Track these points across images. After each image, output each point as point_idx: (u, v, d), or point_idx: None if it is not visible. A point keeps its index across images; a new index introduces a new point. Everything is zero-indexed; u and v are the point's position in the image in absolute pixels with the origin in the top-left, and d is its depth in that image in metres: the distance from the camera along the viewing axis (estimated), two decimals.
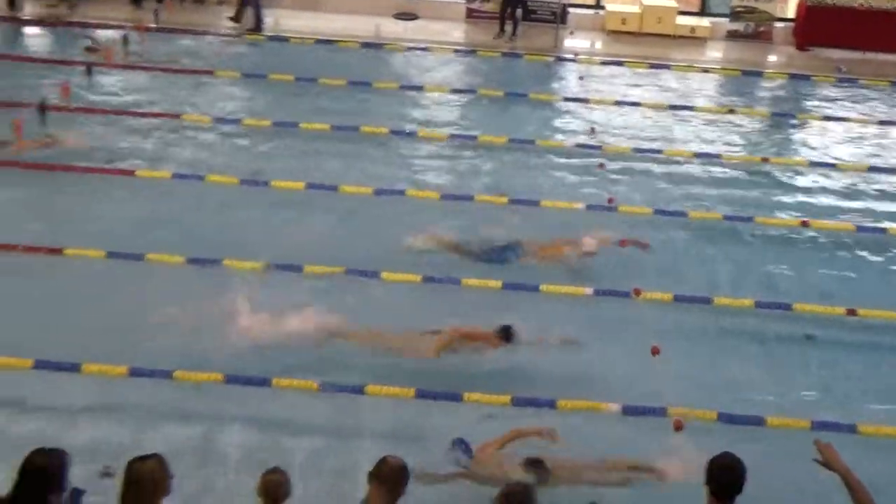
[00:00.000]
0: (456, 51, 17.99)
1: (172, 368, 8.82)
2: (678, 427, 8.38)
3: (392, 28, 19.00)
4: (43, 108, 10.91)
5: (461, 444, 7.64)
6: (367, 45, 17.84)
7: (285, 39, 17.86)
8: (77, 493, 5.50)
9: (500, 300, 10.19)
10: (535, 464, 7.61)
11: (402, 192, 12.44)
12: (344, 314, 9.47)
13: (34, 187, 12.05)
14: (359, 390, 8.75)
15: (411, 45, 18.02)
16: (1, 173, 11.89)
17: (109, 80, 14.62)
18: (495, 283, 10.44)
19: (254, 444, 8.13)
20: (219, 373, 8.81)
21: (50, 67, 15.59)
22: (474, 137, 14.36)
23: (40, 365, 8.77)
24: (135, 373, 8.82)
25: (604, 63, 17.88)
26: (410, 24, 19.26)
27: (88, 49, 15.59)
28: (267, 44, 17.81)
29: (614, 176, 13.55)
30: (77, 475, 5.55)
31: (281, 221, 11.57)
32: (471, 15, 19.64)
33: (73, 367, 8.74)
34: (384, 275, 10.45)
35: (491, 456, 7.73)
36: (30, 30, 17.81)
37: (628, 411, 8.69)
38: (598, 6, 20.11)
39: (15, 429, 8.09)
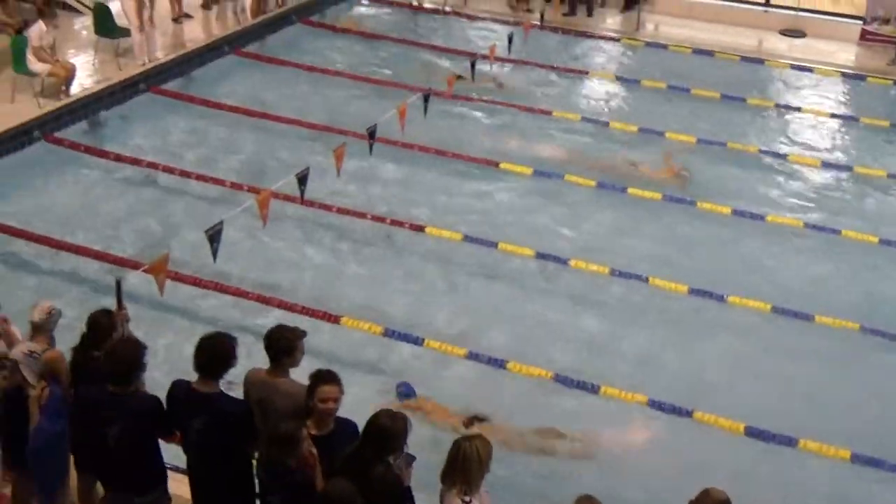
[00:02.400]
0: (843, 73, 16.88)
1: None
2: None
3: (776, 44, 18.20)
4: (427, 97, 11.59)
5: (405, 386, 8.23)
6: (746, 59, 17.24)
7: (663, 46, 17.67)
8: (410, 458, 5.81)
9: None
10: (477, 420, 8.43)
11: (762, 217, 11.95)
12: None
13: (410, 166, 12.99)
14: None
15: (794, 63, 17.17)
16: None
17: (490, 74, 15.23)
18: None
19: None
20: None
21: (441, 55, 16.66)
22: (849, 168, 13.50)
23: None
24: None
25: None
26: (797, 41, 18.34)
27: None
28: (644, 49, 17.72)
29: None
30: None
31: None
32: (865, 37, 18.32)
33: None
34: None
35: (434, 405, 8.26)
36: (424, 17, 18.95)
37: None
38: None
39: None
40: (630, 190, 12.36)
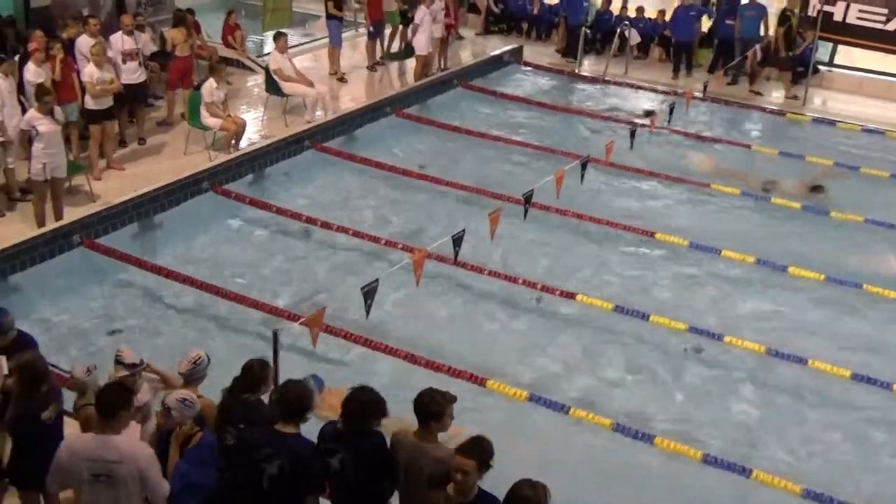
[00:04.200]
0: None
1: None
2: None
3: None
4: (585, 164, 11.55)
5: (316, 379, 7.34)
6: None
7: (831, 123, 17.17)
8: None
9: None
10: None
11: None
12: None
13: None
14: None
15: None
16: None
17: (648, 142, 15.12)
18: None
19: None
20: None
21: (600, 123, 16.70)
22: None
23: None
24: None
25: None
26: None
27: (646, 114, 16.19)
28: (810, 125, 17.25)
29: None
30: None
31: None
32: None
33: None
34: None
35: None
36: (584, 85, 18.99)
37: None
38: None
39: None
40: (791, 269, 11.93)
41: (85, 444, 5.89)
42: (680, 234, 12.71)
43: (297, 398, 6.11)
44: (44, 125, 11.38)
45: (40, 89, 11.80)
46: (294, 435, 6.07)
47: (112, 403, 5.89)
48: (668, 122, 14.50)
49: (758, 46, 17.98)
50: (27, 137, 11.64)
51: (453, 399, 6.16)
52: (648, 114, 15.86)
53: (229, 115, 14.30)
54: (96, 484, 5.81)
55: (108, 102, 13.19)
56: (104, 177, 13.21)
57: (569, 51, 20.05)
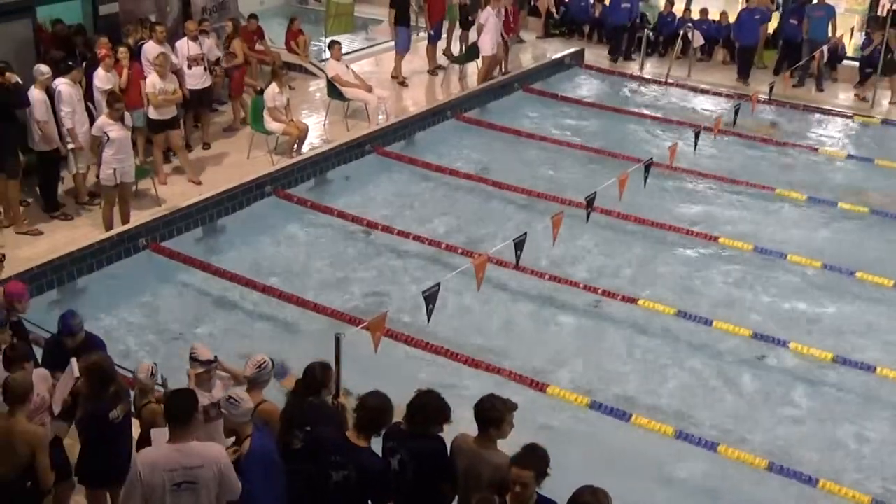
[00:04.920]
0: None
1: None
2: None
3: None
4: (648, 167, 11.42)
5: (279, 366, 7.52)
6: None
7: None
8: None
9: None
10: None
11: None
12: None
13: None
14: None
15: None
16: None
17: (712, 146, 14.93)
18: None
19: None
20: None
21: (663, 126, 16.55)
22: None
23: None
24: None
25: None
26: None
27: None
28: (879, 127, 16.88)
29: None
30: None
31: None
32: None
33: None
34: None
35: None
36: (647, 87, 18.80)
37: None
38: None
39: None
40: (858, 274, 11.67)
41: (164, 456, 5.85)
42: (744, 239, 12.53)
43: (376, 411, 6.08)
44: (115, 131, 11.56)
45: (111, 96, 11.97)
46: (365, 449, 6.07)
47: (184, 408, 5.89)
48: (734, 124, 14.29)
49: (825, 48, 17.64)
50: (97, 143, 11.85)
51: (514, 407, 6.13)
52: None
53: (292, 120, 14.42)
54: (178, 492, 5.80)
55: (170, 112, 13.32)
56: (169, 181, 13.40)
57: (611, 51, 19.91)
